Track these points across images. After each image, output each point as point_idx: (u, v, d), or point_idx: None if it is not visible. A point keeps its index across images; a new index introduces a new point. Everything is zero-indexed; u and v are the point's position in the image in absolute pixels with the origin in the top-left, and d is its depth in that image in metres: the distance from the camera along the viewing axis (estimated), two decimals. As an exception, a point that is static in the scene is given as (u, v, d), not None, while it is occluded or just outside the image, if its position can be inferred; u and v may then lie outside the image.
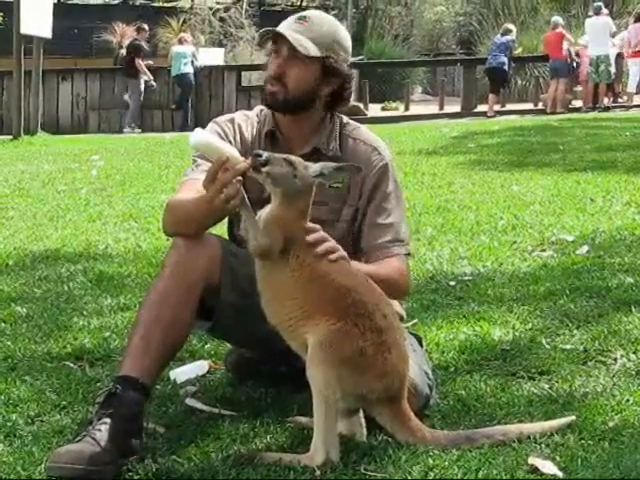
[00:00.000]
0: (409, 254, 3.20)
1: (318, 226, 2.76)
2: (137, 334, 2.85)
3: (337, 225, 3.12)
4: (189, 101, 19.84)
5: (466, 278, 4.94)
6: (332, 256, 2.72)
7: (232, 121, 3.20)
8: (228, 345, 3.54)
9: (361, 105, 19.64)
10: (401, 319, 3.04)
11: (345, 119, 3.25)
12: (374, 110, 20.95)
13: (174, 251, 2.91)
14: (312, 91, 3.07)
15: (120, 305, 4.55)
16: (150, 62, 19.95)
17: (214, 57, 21.83)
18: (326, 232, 2.77)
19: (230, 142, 3.09)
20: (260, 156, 2.67)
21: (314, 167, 2.72)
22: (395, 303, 3.03)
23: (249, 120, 3.22)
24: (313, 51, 3.02)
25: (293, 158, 2.72)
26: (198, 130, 2.76)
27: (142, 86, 19.66)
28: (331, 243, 2.75)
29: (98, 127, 19.85)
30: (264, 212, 2.70)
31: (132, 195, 8.65)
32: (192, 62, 19.86)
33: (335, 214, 3.13)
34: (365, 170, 3.06)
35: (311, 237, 2.72)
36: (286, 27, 3.06)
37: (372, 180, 3.14)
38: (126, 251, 5.94)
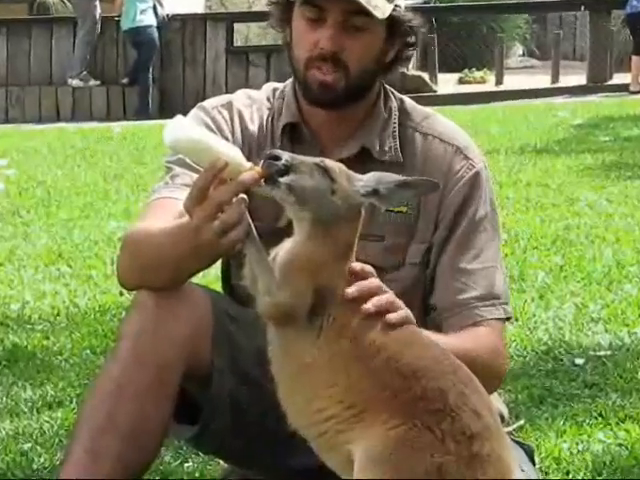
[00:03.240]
0: (508, 318, 3.23)
1: (368, 267, 2.74)
2: (78, 446, 2.88)
3: (399, 273, 3.13)
4: (150, 70, 19.92)
5: (602, 353, 4.96)
6: (391, 317, 2.71)
7: (229, 106, 3.21)
8: (222, 463, 3.55)
9: (425, 76, 19.68)
10: (501, 419, 3.05)
11: (408, 102, 3.24)
12: (447, 83, 21.05)
13: (137, 313, 2.94)
14: (376, 65, 3.09)
15: (47, 399, 4.57)
16: None
17: (189, 1, 21.98)
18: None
19: (226, 139, 3.08)
20: (278, 159, 2.68)
21: (365, 180, 2.72)
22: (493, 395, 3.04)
23: (255, 105, 3.23)
24: (388, 9, 3.01)
25: (330, 163, 2.72)
26: (179, 119, 2.76)
27: (97, 12, 20.01)
28: (387, 296, 2.74)
29: (5, 114, 20.00)
30: (282, 251, 2.71)
31: (62, 222, 8.71)
32: (154, 9, 19.99)
33: (396, 255, 3.15)
34: (444, 185, 3.08)
35: (355, 287, 2.71)
36: None
37: (456, 200, 3.15)
38: (54, 313, 5.96)
